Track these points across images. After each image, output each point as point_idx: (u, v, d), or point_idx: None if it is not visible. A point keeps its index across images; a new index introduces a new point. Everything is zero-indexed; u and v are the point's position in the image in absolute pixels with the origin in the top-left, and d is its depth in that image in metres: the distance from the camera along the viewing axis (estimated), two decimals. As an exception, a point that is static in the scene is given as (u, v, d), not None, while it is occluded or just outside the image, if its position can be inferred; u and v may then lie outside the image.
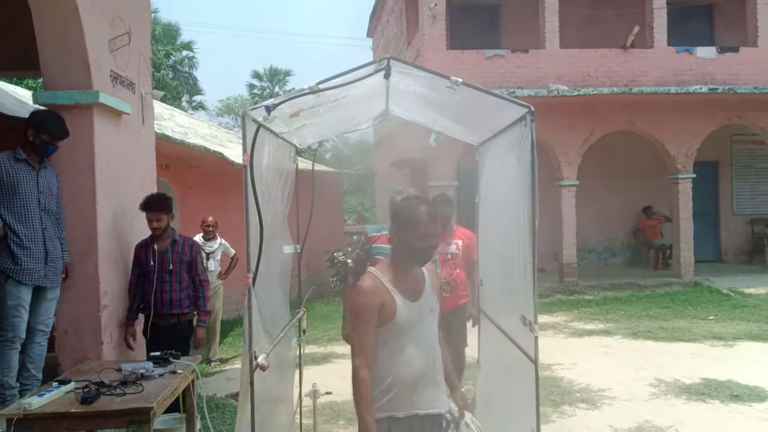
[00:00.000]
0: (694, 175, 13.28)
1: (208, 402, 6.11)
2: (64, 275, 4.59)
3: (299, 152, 4.46)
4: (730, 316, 10.10)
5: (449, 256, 5.25)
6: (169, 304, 5.02)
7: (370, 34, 22.15)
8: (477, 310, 5.31)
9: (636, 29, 12.96)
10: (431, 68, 10.96)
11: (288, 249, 3.93)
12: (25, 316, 4.27)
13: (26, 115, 6.20)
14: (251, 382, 2.60)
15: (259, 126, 2.52)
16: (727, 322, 9.60)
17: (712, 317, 10.05)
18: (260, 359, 2.67)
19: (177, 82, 36.22)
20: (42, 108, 4.62)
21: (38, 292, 4.35)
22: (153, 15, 34.08)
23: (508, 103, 2.80)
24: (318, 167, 17.51)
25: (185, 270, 5.13)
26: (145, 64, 5.90)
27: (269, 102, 2.51)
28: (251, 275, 2.63)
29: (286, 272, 3.96)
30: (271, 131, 3.15)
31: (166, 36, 35.90)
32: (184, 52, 38.02)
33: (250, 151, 2.52)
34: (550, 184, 13.22)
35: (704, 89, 12.52)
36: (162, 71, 32.76)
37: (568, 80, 12.71)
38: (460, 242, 5.30)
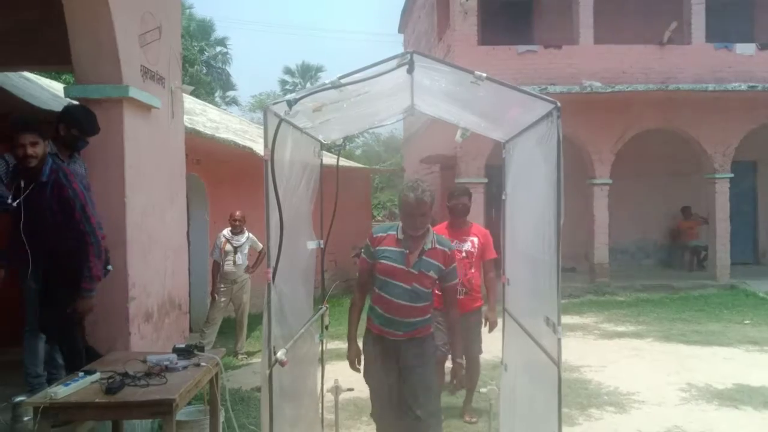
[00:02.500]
0: (732, 175, 12.95)
1: (233, 395, 6.16)
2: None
3: (326, 148, 4.45)
4: (767, 320, 9.81)
5: (464, 254, 5.07)
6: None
7: (401, 30, 22.08)
8: (494, 313, 5.18)
9: (674, 25, 12.66)
10: (462, 64, 10.85)
11: (312, 244, 3.92)
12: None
13: (60, 108, 6.34)
14: (270, 377, 2.59)
15: (281, 121, 2.51)
16: (763, 327, 9.34)
17: (747, 321, 9.78)
18: (279, 354, 2.67)
19: (210, 78, 36.69)
20: (75, 103, 4.68)
21: None
22: (187, 11, 34.68)
23: (534, 99, 2.74)
24: (346, 163, 17.57)
25: (66, 215, 4.08)
26: (176, 59, 5.95)
27: (291, 96, 2.50)
28: (271, 270, 2.62)
29: (310, 268, 3.96)
30: (295, 126, 3.14)
31: (200, 32, 36.37)
32: (218, 48, 38.50)
33: (271, 145, 2.51)
34: (581, 182, 13.03)
35: (743, 87, 12.18)
36: (196, 67, 33.21)
37: (602, 77, 12.48)
38: (475, 240, 5.14)
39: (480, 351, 5.30)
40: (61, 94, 7.39)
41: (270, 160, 2.51)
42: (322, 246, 4.11)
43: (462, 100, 3.35)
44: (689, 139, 13.10)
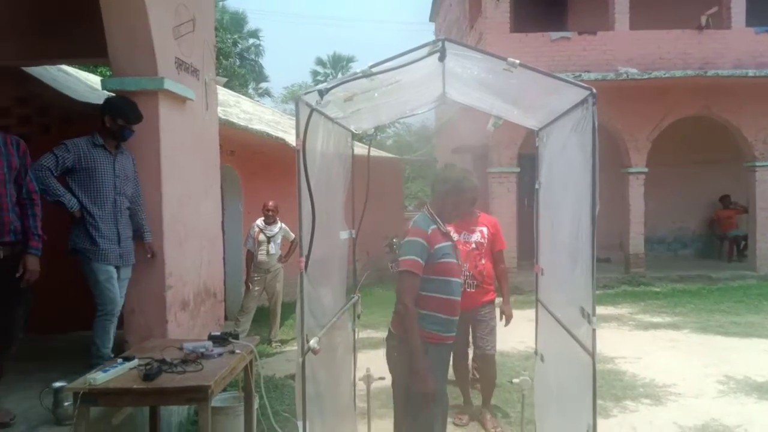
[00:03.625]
0: (773, 163, 12.59)
1: (267, 382, 6.25)
2: (150, 255, 4.78)
3: (357, 138, 4.45)
4: (809, 311, 9.56)
5: (473, 246, 4.90)
6: None
7: (432, 18, 21.94)
8: (509, 306, 5.05)
9: (713, 9, 12.32)
10: (494, 52, 10.73)
11: (344, 234, 3.94)
12: (116, 287, 4.47)
13: (97, 101, 6.46)
14: (303, 365, 2.62)
15: (312, 110, 2.51)
16: (805, 319, 9.10)
17: (789, 313, 9.54)
18: (312, 342, 2.69)
19: (244, 70, 36.96)
20: (115, 95, 4.77)
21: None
22: (221, 4, 34.92)
23: (569, 86, 2.69)
24: (377, 153, 17.57)
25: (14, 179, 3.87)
26: (209, 51, 6.01)
27: (323, 86, 2.51)
28: (304, 259, 2.64)
29: (343, 257, 3.97)
30: (326, 116, 3.15)
31: (233, 24, 36.65)
32: (251, 40, 38.75)
33: (303, 135, 2.52)
34: (616, 171, 12.82)
35: (785, 72, 11.81)
36: (230, 59, 33.49)
37: (638, 63, 12.22)
38: (485, 230, 4.97)
39: (494, 349, 5.01)
40: (98, 86, 7.55)
41: (302, 150, 2.52)
42: (354, 236, 4.13)
43: (494, 87, 3.31)
44: (729, 126, 12.77)
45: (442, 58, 2.65)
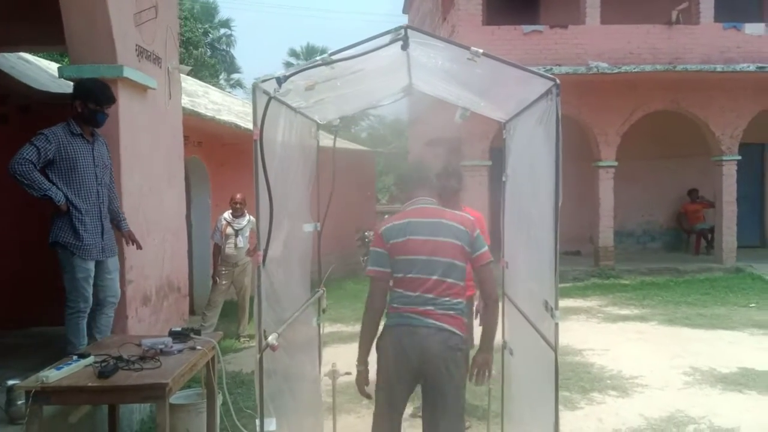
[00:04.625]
0: (740, 157, 12.80)
1: (234, 378, 6.15)
2: (131, 244, 4.70)
3: (325, 129, 4.37)
4: (773, 304, 9.74)
5: None
6: None
7: (406, 10, 21.83)
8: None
9: (683, 5, 12.43)
10: (466, 44, 10.66)
11: (308, 227, 3.85)
12: (91, 286, 4.36)
13: (58, 89, 6.27)
14: (260, 361, 2.54)
15: (270, 98, 2.43)
16: (768, 310, 9.27)
17: (753, 304, 9.70)
18: (270, 339, 2.61)
19: (215, 60, 36.45)
20: (85, 78, 4.57)
21: (101, 265, 4.42)
22: (191, -7, 34.33)
23: (534, 77, 2.65)
24: (350, 145, 17.46)
25: None
26: (172, 39, 5.87)
27: (281, 73, 2.42)
28: (261, 253, 2.56)
29: (307, 251, 3.89)
30: (288, 105, 3.07)
31: (204, 14, 36.09)
32: (222, 30, 38.20)
33: (260, 125, 2.43)
34: (587, 164, 12.91)
35: (752, 67, 11.98)
36: (200, 49, 33.00)
37: (608, 57, 12.29)
38: None
39: (471, 344, 5.03)
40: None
41: (259, 140, 2.43)
42: (318, 229, 4.05)
43: (460, 78, 3.26)
44: (697, 120, 12.94)
45: (405, 47, 2.58)
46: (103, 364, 3.33)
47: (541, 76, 2.55)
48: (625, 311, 9.61)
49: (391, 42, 2.51)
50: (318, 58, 2.46)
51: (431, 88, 3.71)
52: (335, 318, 9.45)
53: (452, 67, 3.00)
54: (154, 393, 3.22)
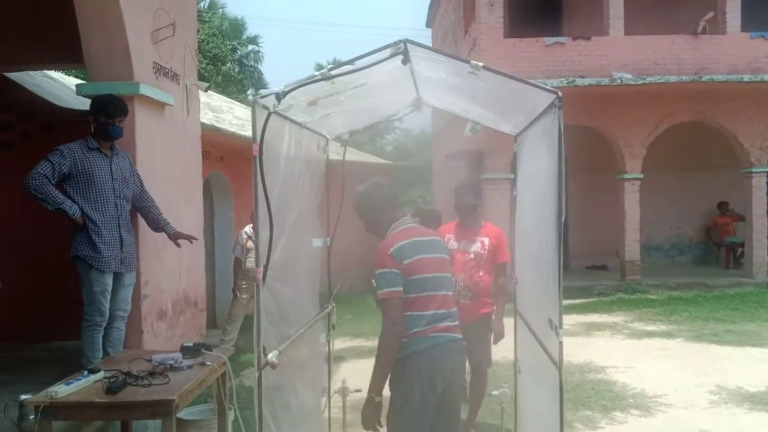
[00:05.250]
0: (769, 169, 12.49)
1: (250, 393, 6.12)
2: (187, 240, 4.91)
3: (349, 143, 4.36)
4: (805, 319, 9.44)
5: (472, 256, 4.68)
6: None
7: (429, 24, 21.90)
8: (500, 322, 4.74)
9: (710, 14, 12.24)
10: (488, 57, 10.63)
11: (318, 242, 3.84)
12: (108, 301, 4.42)
13: (81, 106, 6.38)
14: (259, 379, 2.52)
15: (269, 114, 2.42)
16: (801, 327, 8.97)
17: (784, 320, 9.42)
18: (270, 356, 2.59)
19: (242, 76, 36.94)
20: (101, 94, 4.65)
21: (116, 278, 4.48)
22: (220, 10, 34.95)
23: (537, 90, 2.60)
24: (370, 159, 17.47)
25: None
26: (191, 56, 5.94)
27: (280, 89, 2.42)
28: (261, 269, 2.54)
29: (316, 266, 3.87)
30: (292, 120, 3.06)
31: (232, 30, 36.66)
32: (250, 47, 38.74)
33: (260, 140, 2.43)
34: (612, 177, 12.73)
35: (781, 77, 11.72)
36: (228, 65, 33.51)
37: (632, 68, 12.12)
38: (486, 240, 4.73)
39: (489, 364, 4.85)
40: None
41: (258, 156, 2.42)
42: (328, 244, 4.03)
43: (466, 91, 3.23)
44: (724, 132, 12.68)
45: (405, 61, 2.55)
46: (112, 380, 3.34)
47: (542, 89, 2.50)
48: (651, 327, 9.39)
49: (391, 56, 2.49)
50: (317, 73, 2.45)
51: (439, 101, 3.68)
52: (355, 333, 9.43)
53: (457, 81, 2.97)
54: (161, 409, 3.21)
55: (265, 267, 2.54)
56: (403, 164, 20.17)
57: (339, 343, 8.76)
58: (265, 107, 2.49)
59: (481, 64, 2.46)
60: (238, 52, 37.70)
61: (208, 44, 29.34)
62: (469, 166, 14.38)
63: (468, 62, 2.47)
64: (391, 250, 3.13)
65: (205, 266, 8.23)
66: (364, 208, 3.31)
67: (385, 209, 3.30)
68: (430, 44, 21.95)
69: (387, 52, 2.49)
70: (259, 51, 39.40)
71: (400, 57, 2.54)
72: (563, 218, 2.44)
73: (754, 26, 12.47)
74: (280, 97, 2.40)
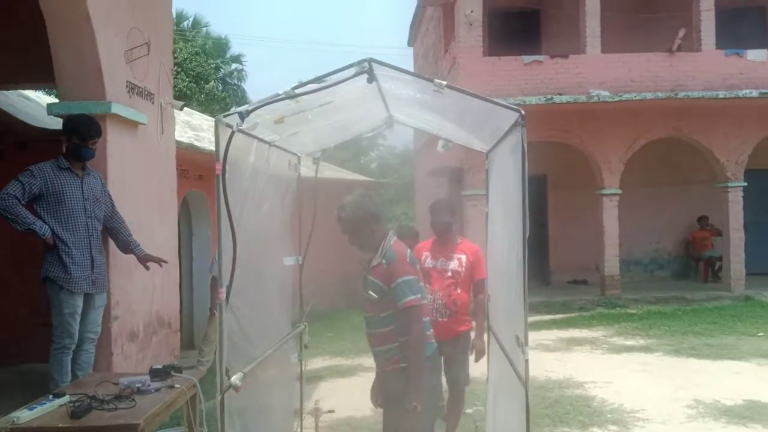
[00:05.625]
0: (745, 184, 12.66)
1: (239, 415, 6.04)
2: (156, 263, 4.85)
3: (325, 160, 4.34)
4: (782, 332, 9.51)
5: (449, 274, 4.62)
6: None
7: (410, 43, 22.07)
8: (481, 340, 4.67)
9: (682, 32, 12.45)
10: (468, 75, 10.71)
11: (289, 261, 3.81)
12: (78, 323, 4.36)
13: (55, 126, 6.33)
14: (221, 402, 2.48)
15: (233, 132, 2.41)
16: (778, 339, 9.05)
17: (761, 333, 9.47)
18: (234, 379, 2.55)
19: (226, 94, 36.87)
20: (75, 114, 4.62)
21: (87, 300, 4.43)
22: (204, 29, 34.95)
23: (504, 108, 2.61)
24: (352, 176, 17.46)
25: None
26: (166, 75, 5.92)
27: (243, 108, 2.41)
28: (224, 290, 2.50)
29: (287, 284, 3.84)
30: (259, 139, 3.05)
31: (216, 49, 36.65)
32: (234, 65, 38.73)
33: (223, 159, 2.41)
34: (591, 192, 12.83)
35: (755, 93, 11.93)
36: (212, 84, 33.48)
37: (609, 86, 12.29)
38: (463, 257, 4.67)
39: (467, 382, 4.83)
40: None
41: (221, 175, 2.40)
42: (300, 262, 3.99)
43: (437, 109, 3.24)
44: (700, 147, 12.86)
45: (370, 80, 2.55)
46: (76, 404, 3.27)
47: (506, 107, 2.51)
48: (630, 342, 9.42)
49: (356, 75, 2.49)
50: (282, 92, 2.44)
51: (410, 119, 3.69)
52: (336, 351, 9.35)
53: (425, 99, 2.97)
54: (126, 434, 3.15)
55: (228, 287, 2.50)
56: (385, 181, 20.15)
57: (318, 362, 8.69)
58: (229, 126, 2.48)
59: (444, 83, 2.47)
60: (222, 70, 37.65)
61: (191, 63, 29.30)
62: (450, 183, 14.45)
63: (431, 81, 2.48)
64: (408, 257, 3.32)
65: (184, 285, 8.17)
66: (355, 219, 3.25)
67: (379, 220, 3.38)
68: (411, 63, 22.10)
69: (351, 71, 2.49)
70: (242, 69, 39.34)
71: (365, 76, 2.53)
72: (527, 235, 2.43)
73: (729, 44, 12.71)
74: (243, 116, 2.39)
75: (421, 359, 3.17)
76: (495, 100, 2.53)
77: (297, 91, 2.44)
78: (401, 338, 3.26)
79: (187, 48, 28.17)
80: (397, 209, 31.06)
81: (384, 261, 3.25)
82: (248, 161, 2.92)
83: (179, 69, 25.38)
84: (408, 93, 3.00)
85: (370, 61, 2.48)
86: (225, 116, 2.51)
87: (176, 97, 7.04)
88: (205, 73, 31.52)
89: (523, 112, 2.45)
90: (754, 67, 12.54)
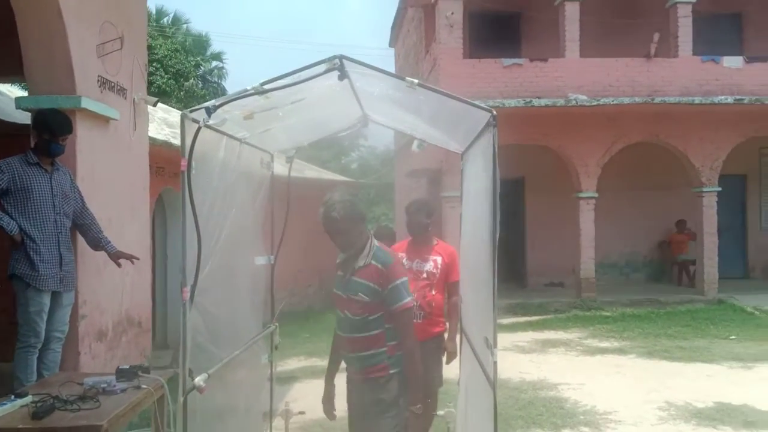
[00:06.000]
0: (719, 189, 12.82)
1: (192, 417, 5.95)
2: (127, 260, 4.75)
3: (288, 159, 4.29)
4: (753, 336, 9.63)
5: (424, 275, 4.57)
6: None
7: (392, 44, 22.04)
8: (454, 342, 4.65)
9: (656, 36, 12.59)
10: (447, 77, 10.70)
11: (261, 260, 3.76)
12: (45, 321, 4.27)
13: (25, 120, 6.20)
14: (184, 404, 2.42)
15: (199, 128, 2.35)
16: (749, 343, 9.15)
17: (733, 337, 9.60)
18: (197, 380, 2.50)
19: (206, 92, 36.52)
20: (46, 108, 4.52)
21: (54, 298, 4.34)
22: (184, 26, 34.59)
23: (476, 109, 2.59)
24: (331, 175, 17.39)
25: None
26: (140, 70, 5.82)
27: (210, 103, 2.36)
28: (188, 289, 2.45)
29: (258, 284, 3.79)
30: (229, 135, 3.00)
31: (196, 46, 36.30)
32: (214, 63, 38.41)
33: (188, 155, 2.35)
34: (569, 195, 12.91)
35: (730, 100, 12.09)
36: (191, 81, 33.18)
37: (588, 90, 12.38)
38: (439, 259, 4.62)
39: (440, 383, 4.78)
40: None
41: (186, 171, 2.35)
42: (272, 261, 3.94)
43: (411, 108, 3.21)
44: (676, 152, 13.01)
45: (342, 77, 2.52)
46: (39, 405, 3.19)
47: (477, 107, 2.49)
48: (604, 344, 9.49)
49: (326, 71, 2.45)
50: (250, 87, 2.40)
51: (385, 118, 3.66)
52: (311, 352, 9.28)
53: (398, 96, 2.94)
54: (89, 435, 3.07)
55: (193, 287, 2.45)
56: (364, 181, 20.10)
57: (294, 363, 8.64)
58: (195, 121, 2.43)
59: (416, 81, 2.44)
60: (202, 68, 37.28)
61: (171, 59, 28.95)
62: (429, 184, 14.44)
63: (403, 79, 2.45)
64: (401, 259, 3.28)
65: (158, 285, 8.04)
66: (346, 219, 3.02)
67: (365, 221, 3.22)
68: (392, 64, 22.09)
69: (322, 68, 2.45)
70: (223, 67, 39.01)
71: (337, 73, 2.50)
72: (498, 236, 2.41)
73: (706, 50, 12.86)
74: (210, 111, 2.34)
75: (420, 361, 3.15)
76: (466, 99, 2.51)
77: (266, 86, 2.39)
78: (390, 342, 3.13)
79: (166, 44, 27.87)
80: (377, 210, 31.04)
81: (376, 263, 3.09)
82: (218, 158, 2.88)
83: (158, 65, 25.09)
84: (381, 91, 2.97)
85: (341, 57, 2.44)
86: (191, 111, 2.46)
87: (155, 94, 6.93)
88: (184, 71, 31.20)
89: (494, 112, 2.43)
90: (729, 74, 12.70)
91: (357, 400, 3.28)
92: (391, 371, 3.13)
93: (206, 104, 2.36)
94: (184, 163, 2.37)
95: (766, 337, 9.43)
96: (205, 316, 2.74)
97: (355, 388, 3.30)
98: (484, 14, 14.39)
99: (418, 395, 3.11)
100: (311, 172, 15.75)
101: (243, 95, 2.40)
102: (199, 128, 2.36)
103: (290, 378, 7.65)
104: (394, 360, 3.13)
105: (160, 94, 23.07)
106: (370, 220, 24.62)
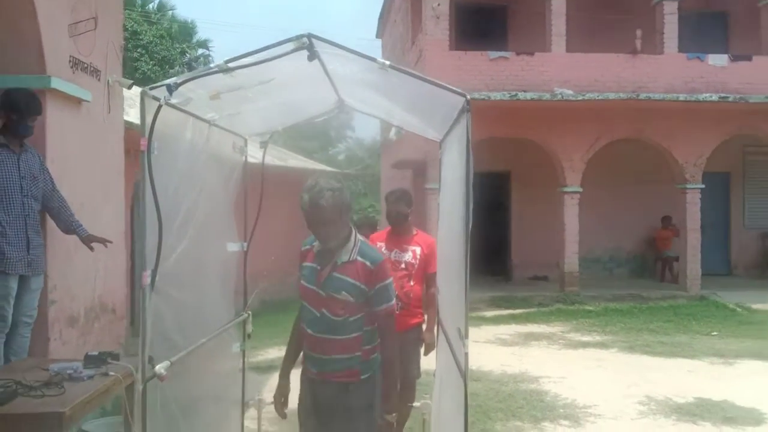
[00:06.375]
0: (703, 186, 12.87)
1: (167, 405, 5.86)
2: (101, 244, 4.59)
3: (262, 144, 4.18)
4: (735, 332, 9.69)
5: (403, 266, 4.52)
6: None
7: (379, 35, 21.93)
8: (432, 333, 4.57)
9: (639, 32, 12.59)
10: (433, 69, 10.59)
11: (233, 247, 3.66)
12: (12, 306, 4.14)
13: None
14: (144, 392, 2.34)
15: (160, 106, 2.25)
16: (730, 339, 9.20)
17: (715, 333, 9.65)
18: (158, 368, 2.41)
19: (191, 80, 36.16)
20: (15, 88, 4.38)
21: (22, 282, 4.21)
22: (170, 13, 34.18)
23: (451, 93, 2.51)
24: (317, 167, 17.27)
25: None
26: (114, 52, 5.68)
27: (172, 80, 2.26)
28: (148, 273, 2.36)
29: (230, 271, 3.69)
30: (196, 116, 2.90)
31: (182, 33, 35.91)
32: (200, 51, 38.02)
33: (149, 134, 2.26)
34: (554, 190, 12.90)
35: (714, 98, 12.11)
36: (177, 68, 32.85)
37: (574, 84, 12.34)
38: (418, 250, 4.58)
39: (418, 375, 4.74)
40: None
41: (147, 151, 2.26)
42: (245, 248, 3.85)
43: (388, 94, 3.13)
44: (660, 149, 13.03)
45: (311, 58, 2.43)
46: (1, 391, 3.09)
47: (451, 90, 2.41)
48: (586, 338, 9.49)
49: (294, 50, 2.36)
50: (214, 65, 2.30)
51: (361, 104, 3.57)
52: (269, 344, 9.17)
53: (373, 80, 2.85)
54: (50, 422, 2.97)
55: (154, 271, 2.36)
56: (349, 172, 19.98)
57: (273, 352, 8.54)
58: (156, 98, 2.32)
59: (387, 62, 2.36)
60: (188, 55, 36.90)
61: (156, 46, 28.60)
62: (415, 175, 14.37)
63: (374, 60, 2.37)
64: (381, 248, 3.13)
65: (137, 271, 7.88)
66: (335, 209, 2.77)
67: (350, 210, 2.95)
68: (380, 55, 21.94)
69: (290, 46, 2.35)
70: (209, 55, 38.66)
71: (306, 53, 2.41)
72: (470, 226, 2.34)
73: (691, 47, 12.87)
74: (171, 88, 2.24)
75: (399, 368, 3.03)
76: (438, 82, 2.43)
77: (231, 65, 2.30)
78: (366, 346, 2.94)
79: (152, 31, 27.53)
80: (364, 202, 30.95)
81: (363, 259, 2.88)
82: (184, 139, 2.78)
83: (143, 51, 24.75)
84: (354, 74, 2.88)
85: (310, 36, 2.35)
86: (152, 89, 2.35)
87: (140, 81, 6.76)
88: (170, 57, 30.86)
89: (468, 96, 2.35)
90: (714, 72, 12.74)
91: (318, 401, 3.07)
92: (362, 377, 2.95)
93: (167, 81, 2.27)
94: (143, 142, 2.26)
95: (748, 334, 9.49)
96: (171, 303, 2.64)
97: (315, 389, 3.06)
98: (471, 6, 14.31)
99: (393, 403, 2.94)
100: (295, 161, 15.62)
101: (206, 73, 2.31)
102: (160, 106, 2.26)
103: (269, 367, 7.56)
104: (367, 365, 2.96)
105: (145, 80, 22.79)
106: (356, 211, 24.52)
